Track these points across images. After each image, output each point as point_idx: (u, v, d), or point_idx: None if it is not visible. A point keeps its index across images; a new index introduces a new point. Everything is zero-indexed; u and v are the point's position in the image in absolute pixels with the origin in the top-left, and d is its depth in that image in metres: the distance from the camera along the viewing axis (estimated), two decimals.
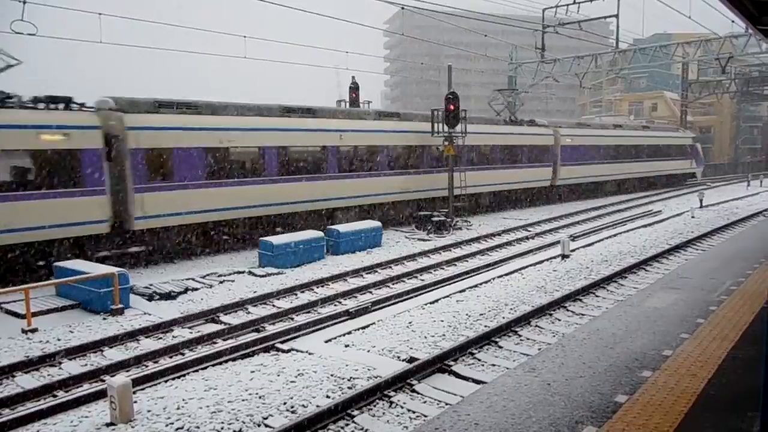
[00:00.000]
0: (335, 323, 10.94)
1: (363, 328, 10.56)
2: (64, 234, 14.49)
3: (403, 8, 21.94)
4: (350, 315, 11.33)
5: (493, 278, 14.10)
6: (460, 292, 12.90)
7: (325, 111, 21.01)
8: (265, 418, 7.06)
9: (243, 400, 7.49)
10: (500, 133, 28.26)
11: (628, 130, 39.38)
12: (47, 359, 9.33)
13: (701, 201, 29.24)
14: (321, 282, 14.22)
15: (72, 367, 9.16)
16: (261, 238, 16.55)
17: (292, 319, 11.53)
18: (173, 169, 16.31)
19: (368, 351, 9.31)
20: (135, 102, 16.14)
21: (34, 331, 10.73)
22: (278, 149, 18.77)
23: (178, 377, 8.56)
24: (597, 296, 12.40)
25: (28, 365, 9.10)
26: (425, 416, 7.03)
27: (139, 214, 15.69)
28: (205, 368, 8.88)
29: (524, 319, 10.53)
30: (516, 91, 31.68)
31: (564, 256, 16.18)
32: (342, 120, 21.14)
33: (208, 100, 17.78)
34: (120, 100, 15.92)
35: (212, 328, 11.04)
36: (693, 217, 24.51)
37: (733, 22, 28.36)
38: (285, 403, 7.42)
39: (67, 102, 14.98)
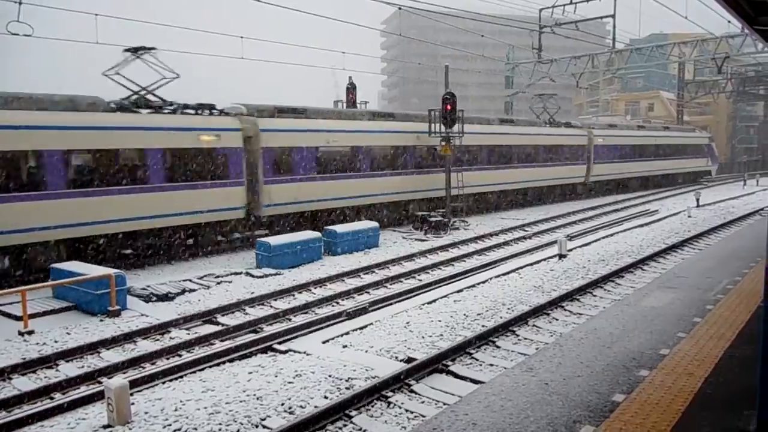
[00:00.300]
0: (333, 324, 10.93)
1: (361, 328, 10.55)
2: (212, 218, 17.63)
3: (400, 9, 21.95)
4: (348, 315, 11.32)
5: (491, 278, 14.11)
6: (458, 292, 12.90)
7: (400, 115, 24.94)
8: (263, 419, 7.05)
9: (241, 402, 7.48)
10: (544, 134, 31.42)
11: (652, 131, 41.88)
12: (44, 361, 9.31)
13: (698, 200, 29.31)
14: (318, 282, 14.21)
15: (69, 369, 9.14)
16: (258, 239, 16.54)
17: (290, 319, 11.52)
18: (292, 165, 19.38)
19: (366, 351, 9.31)
20: (261, 108, 19.08)
21: (30, 333, 10.70)
22: (366, 148, 21.96)
23: (176, 379, 8.54)
24: (594, 296, 12.41)
25: (24, 367, 9.08)
26: (423, 416, 7.03)
27: (266, 202, 18.65)
28: (203, 369, 8.86)
29: (522, 319, 10.54)
30: (554, 95, 33.91)
31: (561, 256, 16.20)
32: (416, 123, 24.20)
33: (314, 107, 21.24)
34: (249, 106, 18.87)
35: (209, 329, 11.02)
36: (689, 216, 24.56)
37: (729, 22, 28.44)
38: (283, 404, 7.42)
39: (211, 108, 17.95)
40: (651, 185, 41.15)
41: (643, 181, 40.53)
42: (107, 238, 15.55)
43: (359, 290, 13.53)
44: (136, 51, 16.54)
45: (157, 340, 10.59)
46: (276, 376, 8.31)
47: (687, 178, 46.06)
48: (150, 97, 16.79)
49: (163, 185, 16.20)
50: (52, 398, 7.98)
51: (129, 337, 10.44)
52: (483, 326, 10.29)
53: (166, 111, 16.88)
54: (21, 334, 10.64)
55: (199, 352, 9.57)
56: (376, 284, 14.08)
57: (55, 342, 10.36)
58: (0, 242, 13.53)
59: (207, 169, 17.08)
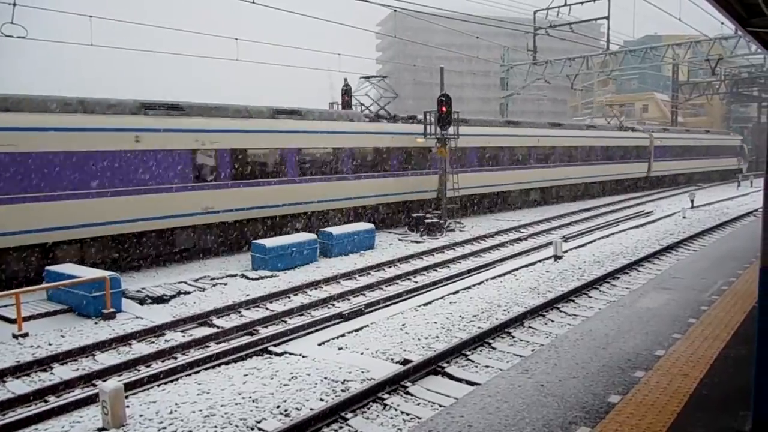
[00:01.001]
0: (328, 326, 10.92)
1: (356, 330, 10.54)
2: (416, 197, 24.08)
3: (395, 10, 21.95)
4: (344, 317, 11.31)
5: (486, 280, 14.12)
6: (454, 293, 12.91)
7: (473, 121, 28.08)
8: (259, 422, 7.03)
9: (236, 404, 7.46)
10: (620, 137, 38.47)
11: (695, 134, 48.57)
12: (38, 364, 9.26)
13: (692, 201, 29.42)
14: (314, 284, 14.19)
15: (63, 372, 9.10)
16: (254, 241, 16.52)
17: (285, 322, 11.49)
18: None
19: (362, 353, 9.30)
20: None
21: (25, 335, 10.65)
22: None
23: (171, 381, 8.51)
24: (590, 297, 12.43)
25: (18, 370, 9.03)
26: (419, 418, 7.02)
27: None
28: (198, 372, 8.83)
29: (517, 321, 10.55)
30: (626, 106, 38.87)
31: (557, 257, 16.22)
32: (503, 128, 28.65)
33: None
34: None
35: (205, 331, 10.98)
36: (684, 217, 24.65)
37: (722, 23, 28.57)
38: (278, 407, 7.40)
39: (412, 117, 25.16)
40: (696, 180, 47.63)
41: (689, 176, 47.22)
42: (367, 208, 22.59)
43: (355, 292, 13.52)
44: (368, 78, 24.42)
45: (152, 342, 10.55)
46: (271, 379, 8.29)
47: (724, 175, 51.18)
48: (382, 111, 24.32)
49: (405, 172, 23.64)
50: (46, 401, 7.94)
51: (124, 339, 10.40)
52: (479, 328, 10.30)
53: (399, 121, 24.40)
54: (15, 336, 10.58)
55: (195, 354, 9.54)
56: (372, 286, 14.07)
57: (50, 345, 10.32)
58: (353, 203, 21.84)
59: (416, 163, 24.00)
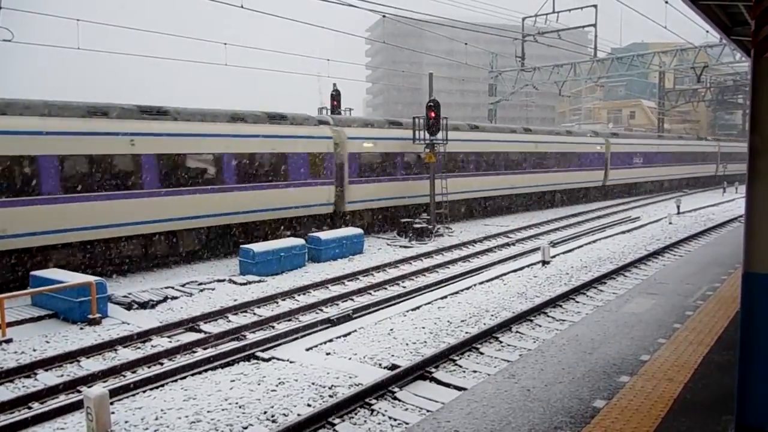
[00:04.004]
0: (316, 331, 10.89)
1: (344, 335, 10.53)
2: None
3: (384, 16, 22.03)
4: (331, 323, 11.29)
5: (475, 285, 14.16)
6: (442, 298, 12.93)
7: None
8: (245, 428, 7.00)
9: (223, 410, 7.42)
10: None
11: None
12: (22, 370, 9.15)
13: (678, 207, 29.70)
14: (302, 290, 14.16)
15: (48, 378, 9.00)
16: (242, 246, 16.44)
17: (273, 327, 11.45)
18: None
19: (350, 359, 9.29)
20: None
21: (8, 341, 10.53)
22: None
23: (157, 387, 8.44)
24: (577, 302, 12.51)
25: (2, 376, 8.92)
26: (406, 423, 7.02)
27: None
28: (184, 378, 8.77)
29: (505, 326, 10.59)
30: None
31: (544, 263, 16.31)
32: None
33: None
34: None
35: (192, 337, 10.92)
36: (670, 223, 24.89)
37: (707, 32, 28.96)
38: (265, 412, 7.37)
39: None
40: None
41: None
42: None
43: (343, 297, 13.50)
44: None
45: (138, 348, 10.47)
46: (259, 384, 8.26)
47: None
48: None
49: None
50: (30, 408, 7.85)
51: (109, 345, 10.31)
52: (467, 333, 10.32)
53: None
54: None
55: (181, 360, 9.47)
56: (360, 291, 14.06)
57: (34, 350, 10.20)
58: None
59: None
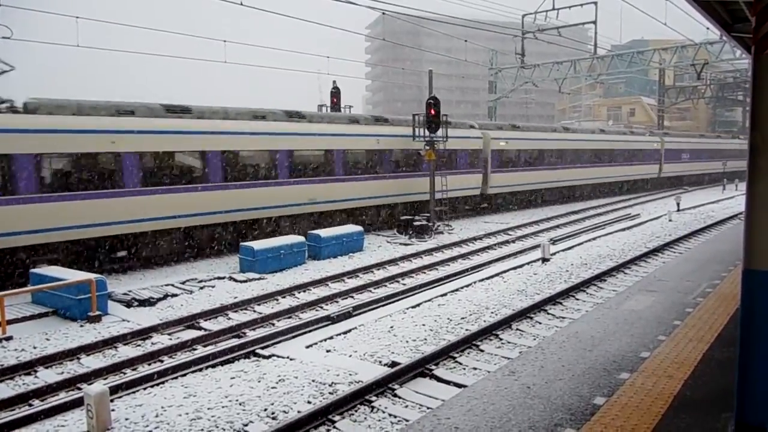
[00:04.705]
0: (316, 328, 10.90)
1: (344, 333, 10.54)
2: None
3: (384, 13, 21.99)
4: (332, 320, 11.30)
5: (475, 282, 14.16)
6: (442, 296, 12.94)
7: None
8: (246, 425, 7.01)
9: (223, 407, 7.43)
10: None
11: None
12: (22, 367, 9.16)
13: (678, 204, 29.70)
14: (302, 287, 14.16)
15: (48, 376, 9.01)
16: (242, 243, 16.46)
17: (273, 324, 11.46)
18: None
19: (350, 356, 9.29)
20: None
21: (9, 339, 10.54)
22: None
23: (157, 384, 8.45)
24: (577, 299, 12.51)
25: (2, 374, 8.93)
26: (406, 420, 7.03)
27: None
28: (185, 375, 8.78)
29: (505, 323, 10.59)
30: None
31: (544, 260, 16.31)
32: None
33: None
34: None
35: (192, 334, 10.92)
36: (670, 220, 24.88)
37: (708, 29, 28.93)
38: (266, 410, 7.38)
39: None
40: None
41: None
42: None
43: (343, 294, 13.51)
44: None
45: (139, 345, 10.48)
46: (259, 381, 8.27)
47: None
48: None
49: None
50: (30, 405, 7.86)
51: (109, 342, 10.32)
52: (467, 330, 10.33)
53: None
54: None
55: (181, 357, 9.48)
56: (360, 288, 14.06)
57: (34, 348, 10.21)
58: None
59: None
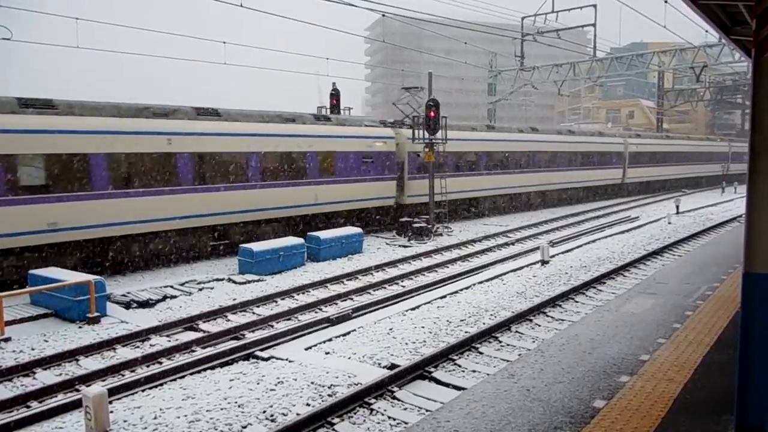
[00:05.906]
0: (315, 330, 10.88)
1: (344, 335, 10.52)
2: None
3: (383, 15, 22.01)
4: (331, 322, 11.28)
5: (474, 284, 14.15)
6: (441, 298, 12.92)
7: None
8: (244, 427, 6.99)
9: (222, 409, 7.41)
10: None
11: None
12: (21, 369, 9.14)
13: (677, 207, 29.70)
14: (301, 289, 14.14)
15: (46, 377, 8.99)
16: (241, 245, 16.44)
17: (272, 326, 11.44)
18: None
19: (349, 358, 9.28)
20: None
21: (7, 340, 10.51)
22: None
23: (156, 386, 8.43)
24: (576, 302, 12.50)
25: (0, 375, 8.90)
26: (405, 423, 7.01)
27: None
28: (183, 377, 8.76)
29: (504, 325, 10.58)
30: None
31: (544, 262, 16.30)
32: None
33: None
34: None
35: (191, 336, 10.91)
36: (670, 223, 24.88)
37: (707, 31, 28.98)
38: (264, 412, 7.36)
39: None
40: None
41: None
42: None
43: (342, 296, 13.49)
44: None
45: (137, 347, 10.46)
46: (258, 384, 8.25)
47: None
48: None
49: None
50: (28, 407, 7.84)
51: (108, 344, 10.30)
52: (466, 332, 10.31)
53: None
54: None
55: (180, 359, 9.46)
56: (360, 291, 14.05)
57: (32, 349, 10.19)
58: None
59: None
